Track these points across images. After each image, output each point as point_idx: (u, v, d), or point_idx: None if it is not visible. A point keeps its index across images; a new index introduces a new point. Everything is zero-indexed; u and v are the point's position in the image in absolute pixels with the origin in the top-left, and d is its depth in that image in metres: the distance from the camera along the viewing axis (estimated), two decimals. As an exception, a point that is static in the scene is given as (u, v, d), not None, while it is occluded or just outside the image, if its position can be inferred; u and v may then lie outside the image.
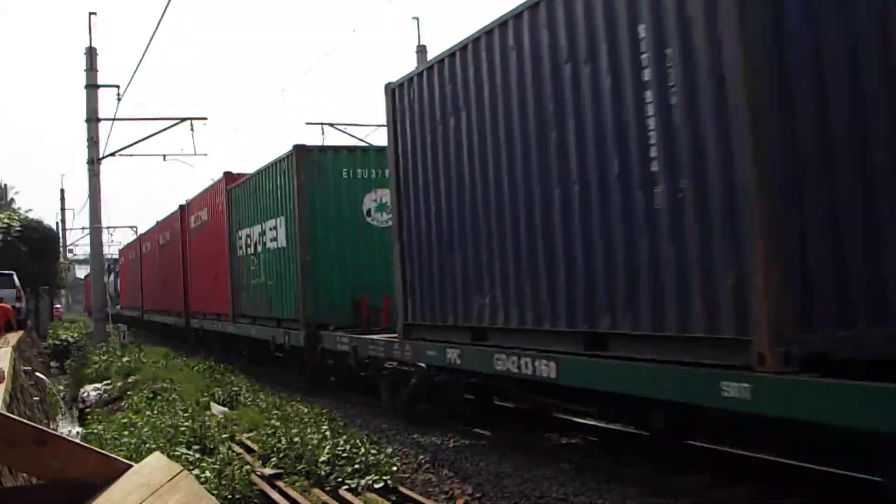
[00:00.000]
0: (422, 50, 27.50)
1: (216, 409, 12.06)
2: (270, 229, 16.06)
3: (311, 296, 14.25)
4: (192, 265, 23.96)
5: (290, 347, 15.04)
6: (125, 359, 19.60)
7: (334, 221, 14.28)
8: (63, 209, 58.47)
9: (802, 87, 5.53)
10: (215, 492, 6.74)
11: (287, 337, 14.94)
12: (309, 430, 9.09)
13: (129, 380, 16.80)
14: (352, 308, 13.85)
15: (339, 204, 14.33)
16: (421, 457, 9.11)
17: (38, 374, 17.66)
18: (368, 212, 14.37)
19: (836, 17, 5.56)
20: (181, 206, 25.40)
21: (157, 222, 30.78)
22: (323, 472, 7.68)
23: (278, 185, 15.45)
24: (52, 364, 25.95)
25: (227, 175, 19.46)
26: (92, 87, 26.39)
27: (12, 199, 65.87)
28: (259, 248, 16.89)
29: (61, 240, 49.37)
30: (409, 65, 30.53)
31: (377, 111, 68.18)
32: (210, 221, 21.46)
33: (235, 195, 18.61)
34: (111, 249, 55.03)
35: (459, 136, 9.05)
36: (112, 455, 2.97)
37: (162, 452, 4.90)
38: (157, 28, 42.16)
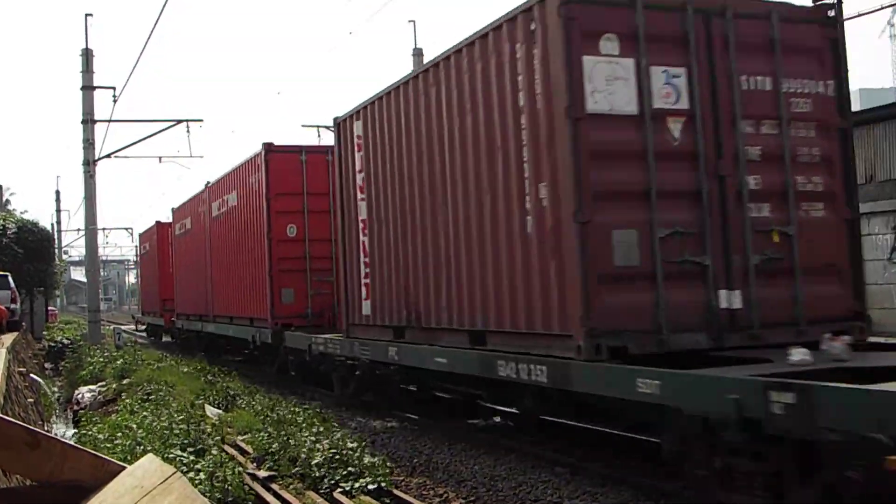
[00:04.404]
0: (418, 53, 27.53)
1: (210, 411, 12.03)
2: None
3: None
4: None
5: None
6: (119, 361, 19.53)
7: None
8: (59, 210, 58.35)
9: None
10: (208, 494, 6.73)
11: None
12: (303, 433, 9.07)
13: (124, 382, 16.76)
14: None
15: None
16: (415, 460, 9.11)
17: (32, 375, 17.60)
18: None
19: None
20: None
21: None
22: (317, 475, 7.68)
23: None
24: (47, 365, 25.88)
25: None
26: (88, 88, 26.31)
27: (7, 201, 65.56)
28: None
29: (56, 241, 49.21)
30: (405, 67, 30.56)
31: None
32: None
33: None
34: (106, 251, 54.91)
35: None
36: (105, 457, 2.96)
37: (156, 454, 4.89)
38: (153, 30, 42.17)
